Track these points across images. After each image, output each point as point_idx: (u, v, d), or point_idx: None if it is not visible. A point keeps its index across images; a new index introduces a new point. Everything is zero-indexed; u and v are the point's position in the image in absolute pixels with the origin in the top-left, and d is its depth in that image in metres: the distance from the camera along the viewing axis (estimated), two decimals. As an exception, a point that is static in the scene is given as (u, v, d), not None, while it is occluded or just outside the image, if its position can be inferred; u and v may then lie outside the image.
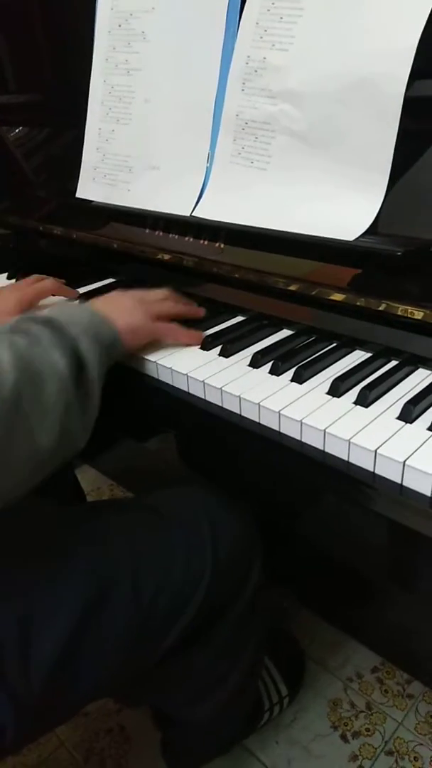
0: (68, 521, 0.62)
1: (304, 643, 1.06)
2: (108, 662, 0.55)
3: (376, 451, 0.48)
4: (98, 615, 0.54)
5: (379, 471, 0.48)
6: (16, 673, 0.49)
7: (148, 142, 0.78)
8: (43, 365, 0.47)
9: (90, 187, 0.85)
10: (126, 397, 0.74)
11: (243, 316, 0.73)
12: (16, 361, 0.44)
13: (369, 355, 0.62)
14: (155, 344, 0.67)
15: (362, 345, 0.64)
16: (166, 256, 0.76)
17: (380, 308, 0.59)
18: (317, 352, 0.63)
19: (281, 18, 0.63)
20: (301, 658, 1.04)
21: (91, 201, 0.86)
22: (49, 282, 0.79)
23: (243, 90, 0.67)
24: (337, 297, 0.62)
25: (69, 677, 0.53)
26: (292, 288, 0.65)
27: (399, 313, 0.57)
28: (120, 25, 0.78)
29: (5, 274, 0.95)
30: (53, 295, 0.81)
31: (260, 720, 0.93)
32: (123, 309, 0.61)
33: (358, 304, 0.61)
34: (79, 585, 0.54)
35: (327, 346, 0.64)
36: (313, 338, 0.66)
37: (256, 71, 0.66)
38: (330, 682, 1.01)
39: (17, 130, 1.11)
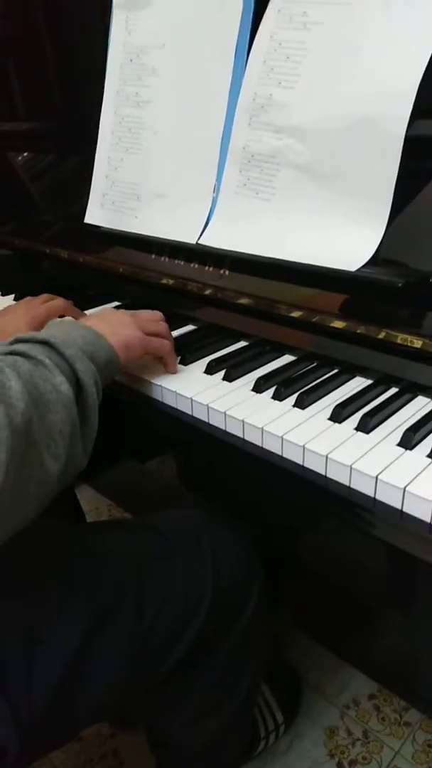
0: (71, 541, 0.62)
1: (300, 669, 1.05)
2: (109, 684, 0.55)
3: (377, 477, 0.49)
4: (100, 637, 0.54)
5: (380, 497, 0.49)
6: (19, 693, 0.49)
7: (156, 171, 0.81)
8: (48, 390, 0.46)
9: (98, 213, 0.88)
10: (129, 418, 0.75)
11: (246, 341, 0.75)
12: (24, 389, 0.43)
13: (369, 382, 0.63)
14: (159, 367, 0.68)
15: (363, 372, 0.65)
16: (171, 282, 0.78)
17: (380, 336, 0.61)
18: (319, 378, 0.64)
19: (288, 57, 0.66)
20: (297, 684, 1.03)
21: (98, 226, 0.88)
22: (60, 301, 0.80)
23: (250, 124, 0.70)
24: (338, 324, 0.64)
25: (71, 698, 0.53)
26: (294, 315, 0.67)
27: (398, 341, 0.59)
28: (131, 60, 0.81)
29: (11, 296, 0.97)
30: (62, 315, 0.83)
31: (256, 748, 0.92)
32: (116, 324, 0.61)
33: (358, 331, 0.63)
34: (82, 608, 0.55)
35: (328, 373, 0.65)
36: (314, 364, 0.67)
37: (262, 107, 0.68)
38: (326, 709, 1.00)
39: (25, 155, 1.14)
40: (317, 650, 1.08)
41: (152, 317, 0.67)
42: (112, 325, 0.60)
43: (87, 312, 0.84)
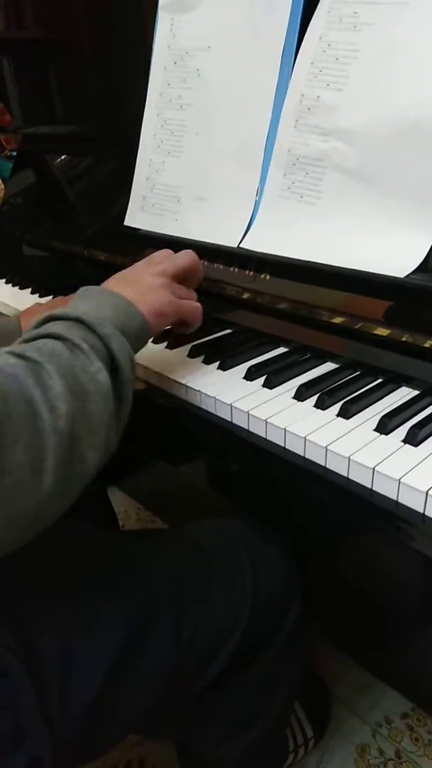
0: (108, 553, 0.61)
1: (331, 683, 1.03)
2: (145, 698, 0.54)
3: (427, 492, 0.47)
4: (138, 651, 0.53)
5: (430, 512, 0.47)
6: (56, 707, 0.49)
7: (197, 174, 0.80)
8: (87, 380, 0.44)
9: (138, 216, 0.87)
10: (164, 422, 0.74)
11: (286, 347, 0.73)
12: (66, 387, 0.42)
13: (416, 392, 0.61)
14: (198, 370, 0.67)
15: (408, 382, 0.63)
16: (211, 285, 0.77)
17: (426, 345, 0.59)
18: (363, 387, 0.62)
19: (337, 59, 0.65)
20: (327, 698, 1.01)
21: (138, 229, 0.88)
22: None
23: (296, 126, 0.69)
24: (382, 332, 0.62)
25: (106, 712, 0.52)
26: (336, 321, 0.65)
27: (447, 351, 0.57)
28: (176, 63, 0.81)
29: (49, 297, 0.97)
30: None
31: (285, 761, 0.91)
32: (144, 288, 0.56)
33: (404, 339, 0.61)
34: (119, 622, 0.54)
35: (372, 382, 0.63)
36: (358, 372, 0.65)
37: (309, 109, 0.67)
38: (358, 726, 0.98)
39: (64, 158, 1.15)
40: (348, 664, 1.06)
41: (185, 264, 0.62)
42: (143, 290, 0.56)
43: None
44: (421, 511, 0.48)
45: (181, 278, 0.63)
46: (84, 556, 0.59)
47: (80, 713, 0.50)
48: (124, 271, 0.61)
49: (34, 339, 0.45)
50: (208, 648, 0.57)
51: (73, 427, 0.42)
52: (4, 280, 1.09)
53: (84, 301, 0.52)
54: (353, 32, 0.63)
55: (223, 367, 0.69)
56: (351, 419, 0.57)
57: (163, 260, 0.62)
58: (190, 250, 0.65)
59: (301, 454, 0.56)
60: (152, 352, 0.72)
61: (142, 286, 0.57)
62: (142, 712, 0.55)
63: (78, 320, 0.47)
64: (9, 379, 0.39)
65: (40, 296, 0.99)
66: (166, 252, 0.65)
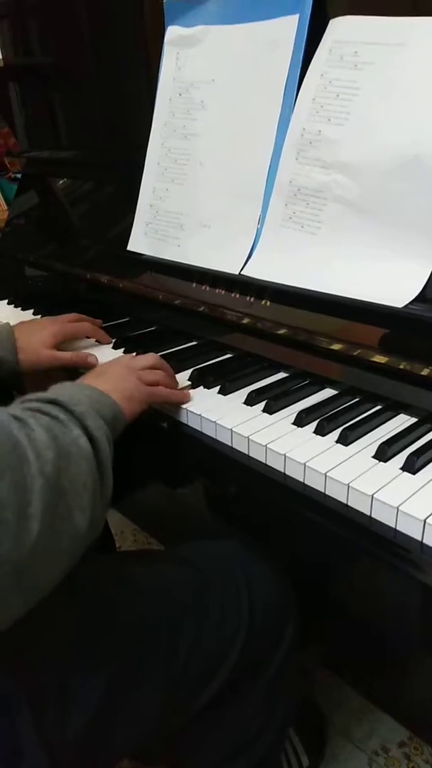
0: (105, 574, 0.61)
1: (327, 710, 1.02)
2: (140, 720, 0.54)
3: (425, 520, 0.48)
4: (133, 674, 0.53)
5: (428, 541, 0.48)
6: (54, 729, 0.48)
7: (200, 202, 0.82)
8: (69, 443, 0.45)
9: (141, 241, 0.89)
10: (163, 444, 0.74)
11: (286, 372, 0.74)
12: (50, 439, 0.43)
13: (414, 420, 0.62)
14: (199, 394, 0.68)
15: (407, 409, 0.64)
16: (213, 311, 0.79)
17: (423, 373, 0.60)
18: (362, 414, 0.63)
19: (337, 95, 0.67)
20: (323, 726, 1.00)
21: (141, 254, 0.89)
22: (87, 324, 0.82)
23: (297, 159, 0.71)
24: (380, 359, 0.63)
25: (103, 735, 0.52)
26: (335, 347, 0.67)
27: (444, 379, 0.58)
28: (180, 94, 0.83)
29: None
30: (88, 337, 0.84)
31: (280, 791, 0.89)
32: (115, 378, 0.60)
33: (401, 367, 0.62)
34: (118, 642, 0.54)
35: (371, 408, 0.64)
36: (357, 399, 0.66)
37: (310, 143, 0.69)
38: (354, 754, 0.97)
39: (67, 181, 1.17)
40: (344, 691, 1.05)
41: (147, 362, 0.66)
42: (112, 380, 0.60)
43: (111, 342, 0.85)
44: (419, 539, 0.48)
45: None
46: (80, 577, 0.59)
47: (77, 735, 0.49)
48: (92, 370, 0.66)
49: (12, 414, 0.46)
50: (204, 670, 0.57)
51: (59, 478, 0.42)
52: (6, 301, 1.10)
53: (57, 389, 0.54)
54: (354, 70, 0.66)
55: (223, 392, 0.69)
56: (350, 446, 0.58)
57: (129, 359, 0.67)
58: (151, 353, 0.71)
59: (301, 480, 0.57)
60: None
61: (113, 376, 0.61)
62: (139, 734, 0.55)
63: (52, 401, 0.49)
64: None
65: (42, 317, 1.00)
66: (129, 356, 0.72)
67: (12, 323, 0.99)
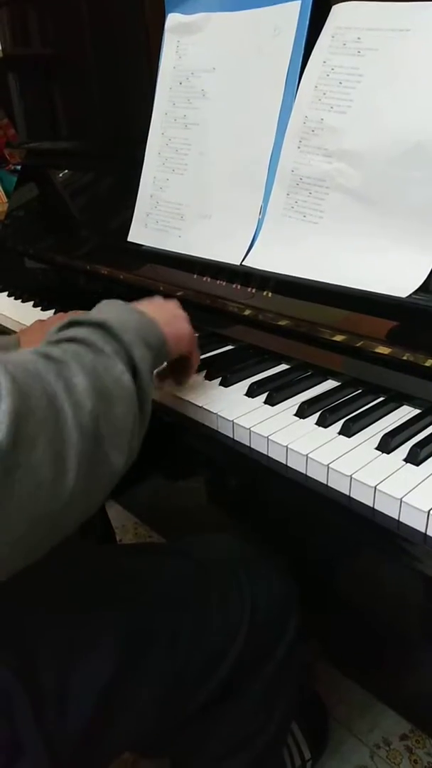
0: (106, 566, 0.61)
1: (329, 703, 1.02)
2: (142, 714, 0.54)
3: (429, 512, 0.47)
4: (135, 667, 0.53)
5: (431, 532, 0.47)
6: (54, 723, 0.48)
7: (201, 192, 0.81)
8: (111, 382, 0.43)
9: (142, 232, 0.88)
10: (165, 437, 0.74)
11: (287, 364, 0.73)
12: (91, 385, 0.41)
13: (418, 411, 0.61)
14: (201, 386, 0.67)
15: (410, 400, 0.63)
16: (214, 302, 0.78)
17: (427, 364, 0.60)
18: (364, 406, 0.62)
19: (340, 83, 0.66)
20: (325, 719, 1.00)
21: (141, 245, 0.88)
22: None
23: (299, 148, 0.70)
24: (383, 350, 0.63)
25: (103, 729, 0.51)
26: (338, 339, 0.66)
27: (448, 370, 0.57)
28: (181, 83, 0.82)
29: (52, 311, 0.97)
30: None
31: (282, 784, 0.89)
32: (169, 315, 0.57)
33: (404, 358, 0.61)
34: (118, 636, 0.53)
35: (374, 400, 0.64)
36: (359, 391, 0.66)
37: (313, 131, 0.68)
38: (356, 747, 0.97)
39: (67, 173, 1.16)
40: (346, 684, 1.05)
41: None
42: (166, 314, 0.57)
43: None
44: (423, 530, 0.48)
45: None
46: (81, 570, 0.59)
47: (77, 729, 0.49)
48: (148, 299, 0.62)
49: (57, 342, 0.45)
50: (206, 664, 0.57)
51: (97, 425, 0.40)
52: (6, 293, 1.09)
53: (107, 309, 0.52)
54: (356, 57, 0.65)
55: (225, 384, 0.69)
56: (353, 437, 0.57)
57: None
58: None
59: (303, 471, 0.56)
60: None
61: (167, 312, 0.58)
62: (140, 728, 0.55)
63: (100, 325, 0.47)
64: (31, 377, 0.38)
65: (42, 310, 1.00)
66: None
67: (12, 315, 1.00)
